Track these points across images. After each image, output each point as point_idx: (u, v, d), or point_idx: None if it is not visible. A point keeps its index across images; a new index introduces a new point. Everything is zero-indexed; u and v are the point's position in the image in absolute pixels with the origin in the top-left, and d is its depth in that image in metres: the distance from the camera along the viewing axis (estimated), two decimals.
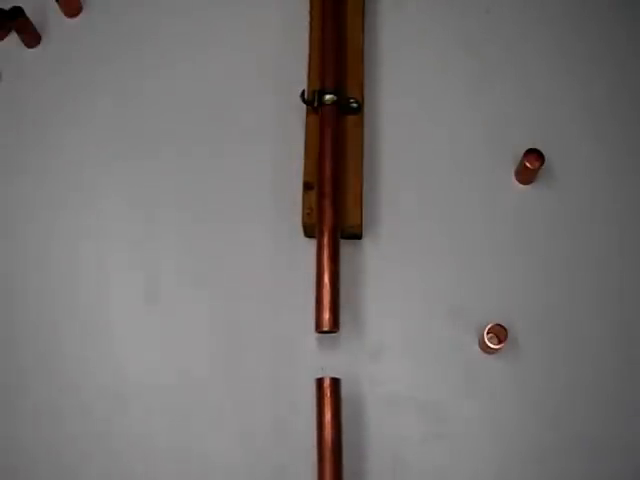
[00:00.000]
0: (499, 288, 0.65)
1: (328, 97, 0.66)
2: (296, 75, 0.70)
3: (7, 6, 0.72)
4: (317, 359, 0.64)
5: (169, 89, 0.72)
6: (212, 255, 0.67)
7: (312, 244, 0.64)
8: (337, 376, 0.59)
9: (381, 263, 0.66)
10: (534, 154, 0.65)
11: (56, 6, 0.74)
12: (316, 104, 0.67)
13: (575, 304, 0.65)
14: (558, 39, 0.72)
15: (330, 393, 0.58)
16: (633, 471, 0.61)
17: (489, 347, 0.62)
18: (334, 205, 0.63)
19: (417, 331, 0.65)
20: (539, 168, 0.65)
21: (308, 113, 0.67)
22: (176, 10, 0.75)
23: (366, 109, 0.69)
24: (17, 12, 0.72)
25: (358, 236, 0.66)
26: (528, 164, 0.65)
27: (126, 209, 0.69)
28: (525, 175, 0.67)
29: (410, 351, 0.64)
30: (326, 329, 0.61)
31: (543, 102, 0.70)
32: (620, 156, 0.68)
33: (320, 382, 0.59)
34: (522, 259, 0.66)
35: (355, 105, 0.67)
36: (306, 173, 0.66)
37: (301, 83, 0.68)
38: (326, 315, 0.60)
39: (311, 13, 0.71)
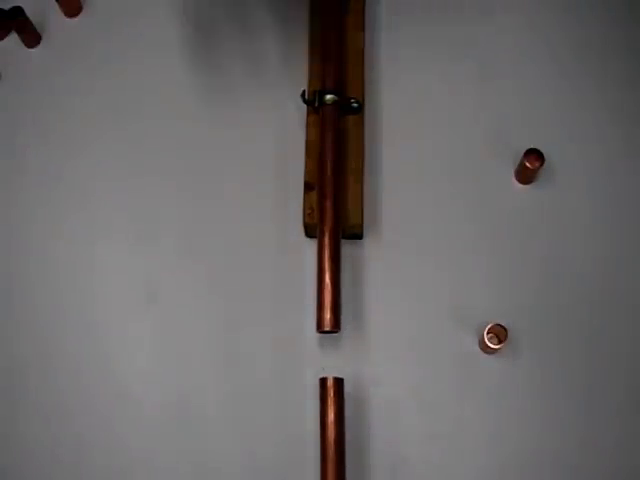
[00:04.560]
0: (499, 288, 0.65)
1: (329, 97, 0.66)
2: (296, 75, 0.70)
3: (7, 6, 0.72)
4: (318, 359, 0.64)
5: (169, 88, 0.72)
6: (213, 256, 0.67)
7: (313, 244, 0.64)
8: (338, 376, 0.59)
9: (382, 263, 0.66)
10: (534, 154, 0.65)
11: (56, 6, 0.74)
12: (317, 104, 0.67)
13: (575, 304, 0.65)
14: (558, 39, 0.72)
15: (333, 393, 0.58)
16: (633, 471, 0.61)
17: (489, 347, 0.62)
18: (335, 205, 0.63)
19: (417, 331, 0.65)
20: (539, 168, 0.65)
21: (308, 113, 0.68)
22: (176, 12, 0.75)
23: (367, 109, 0.69)
24: (17, 12, 0.72)
25: (359, 236, 0.66)
26: (528, 164, 0.65)
27: (126, 208, 0.69)
28: (525, 175, 0.67)
29: (411, 351, 0.64)
30: (327, 329, 0.61)
31: (543, 102, 0.70)
32: (620, 156, 0.69)
33: (323, 382, 0.59)
34: (522, 259, 0.66)
35: (356, 105, 0.67)
36: (307, 173, 0.66)
37: (301, 83, 0.69)
38: (327, 315, 0.61)
39: (311, 12, 0.71)
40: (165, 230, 0.68)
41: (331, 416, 0.58)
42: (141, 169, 0.70)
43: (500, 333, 0.62)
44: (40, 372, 0.64)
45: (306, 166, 0.66)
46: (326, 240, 0.63)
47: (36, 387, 0.64)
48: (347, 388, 0.60)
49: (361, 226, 0.65)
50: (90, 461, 0.62)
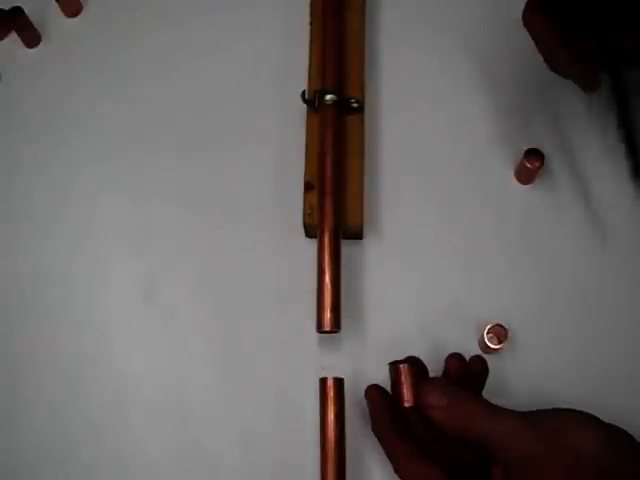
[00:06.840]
0: (499, 288, 0.65)
1: (329, 97, 0.66)
2: (296, 75, 0.70)
3: (7, 6, 0.72)
4: (318, 359, 0.64)
5: (169, 89, 0.72)
6: (212, 255, 0.67)
7: (313, 244, 0.64)
8: (338, 376, 0.59)
9: (382, 263, 0.66)
10: (534, 154, 0.65)
11: (56, 6, 0.74)
12: (317, 104, 0.67)
13: (575, 304, 0.65)
14: None
15: (333, 393, 0.58)
16: None
17: (489, 347, 0.62)
18: (335, 205, 0.63)
19: (417, 331, 0.65)
20: (539, 168, 0.65)
21: (308, 113, 0.67)
22: (176, 10, 0.75)
23: (367, 109, 0.69)
24: (17, 12, 0.72)
25: (359, 236, 0.66)
26: (528, 164, 0.65)
27: (126, 209, 0.69)
28: (525, 175, 0.67)
29: (410, 351, 0.64)
30: (327, 329, 0.61)
31: (543, 102, 0.70)
32: (620, 156, 0.68)
33: (323, 382, 0.59)
34: (522, 259, 0.66)
35: (356, 105, 0.67)
36: (307, 173, 0.66)
37: (301, 83, 0.68)
38: (327, 315, 0.61)
39: (311, 12, 0.71)
40: (164, 231, 0.68)
41: (331, 416, 0.58)
42: (140, 168, 0.70)
43: (500, 333, 0.62)
44: (36, 373, 0.64)
45: (306, 166, 0.66)
46: (326, 240, 0.63)
47: (33, 388, 0.64)
48: (346, 388, 0.60)
49: (361, 226, 0.65)
50: (89, 462, 0.62)
